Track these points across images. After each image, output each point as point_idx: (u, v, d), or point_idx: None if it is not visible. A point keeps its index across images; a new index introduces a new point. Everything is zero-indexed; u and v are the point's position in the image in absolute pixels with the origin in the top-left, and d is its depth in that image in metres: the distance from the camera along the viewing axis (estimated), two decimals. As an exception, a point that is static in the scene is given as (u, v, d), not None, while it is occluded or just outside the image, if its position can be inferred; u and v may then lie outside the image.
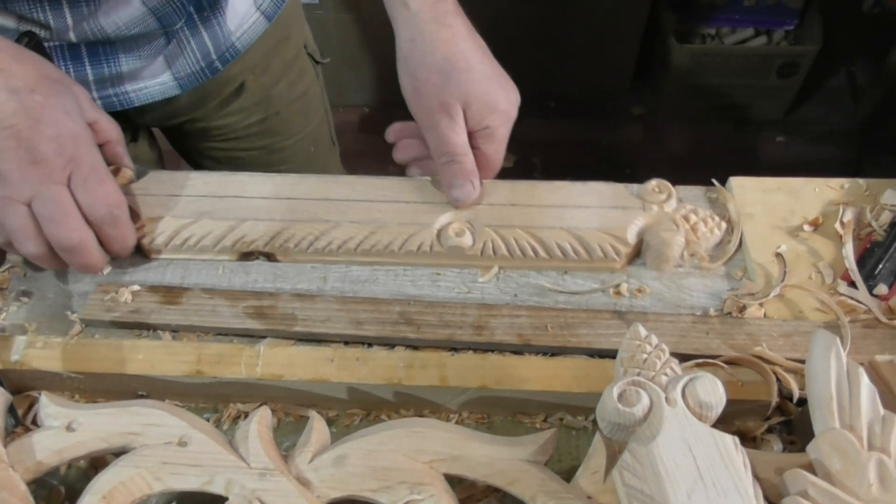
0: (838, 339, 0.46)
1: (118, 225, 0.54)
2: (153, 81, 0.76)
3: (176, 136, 0.92)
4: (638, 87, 2.03)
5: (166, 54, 0.75)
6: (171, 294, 0.58)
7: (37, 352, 0.54)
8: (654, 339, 0.47)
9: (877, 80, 1.83)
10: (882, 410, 0.43)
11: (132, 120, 0.83)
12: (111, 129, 0.59)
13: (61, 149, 0.51)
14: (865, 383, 0.44)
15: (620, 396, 0.44)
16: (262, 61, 0.86)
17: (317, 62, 0.96)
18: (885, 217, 0.61)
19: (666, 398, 0.44)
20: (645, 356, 0.46)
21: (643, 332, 0.48)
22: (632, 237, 0.59)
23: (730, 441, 0.43)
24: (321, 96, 0.99)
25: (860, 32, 1.83)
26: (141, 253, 0.60)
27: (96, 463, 0.52)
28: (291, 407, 0.56)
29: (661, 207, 0.61)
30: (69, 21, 0.66)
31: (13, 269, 0.61)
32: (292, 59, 0.91)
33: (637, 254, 0.61)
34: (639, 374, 0.45)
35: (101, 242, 0.55)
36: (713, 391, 0.44)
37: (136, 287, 0.58)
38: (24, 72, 0.51)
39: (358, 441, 0.47)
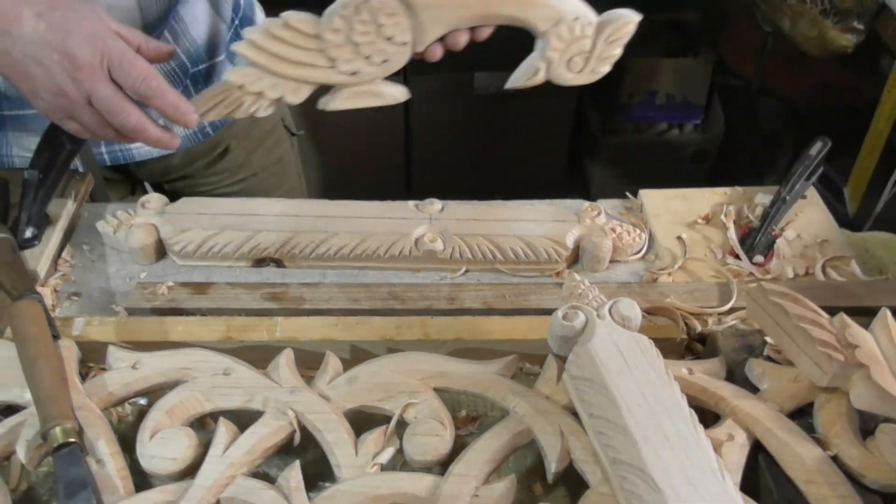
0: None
1: (161, 94, 0.63)
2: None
3: (168, 192, 1.06)
4: (572, 177, 2.26)
5: (166, 121, 0.90)
6: (199, 287, 0.71)
7: (93, 328, 0.66)
8: (587, 281, 0.63)
9: (774, 163, 2.10)
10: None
11: (132, 174, 0.98)
12: (134, 35, 0.66)
13: (93, 48, 0.62)
14: None
15: (564, 317, 0.59)
16: (244, 130, 1.02)
17: (292, 134, 1.13)
18: (758, 211, 0.79)
19: (597, 314, 0.59)
20: (580, 291, 0.62)
21: (578, 276, 0.63)
22: (570, 242, 0.75)
23: (646, 339, 0.58)
24: (295, 163, 1.15)
25: (755, 121, 2.11)
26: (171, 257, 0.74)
27: (143, 416, 0.63)
28: (303, 370, 0.68)
29: (593, 221, 0.77)
30: None
31: (64, 277, 0.73)
32: (271, 130, 1.07)
33: (575, 260, 0.77)
34: (576, 303, 0.60)
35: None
36: (631, 308, 0.59)
37: (170, 283, 0.71)
38: None
39: (365, 366, 0.60)
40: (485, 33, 0.67)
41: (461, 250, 0.73)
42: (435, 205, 0.77)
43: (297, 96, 0.67)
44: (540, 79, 0.69)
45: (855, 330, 0.58)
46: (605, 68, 0.70)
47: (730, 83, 2.03)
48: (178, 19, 0.84)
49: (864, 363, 0.57)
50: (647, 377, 0.55)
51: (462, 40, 0.66)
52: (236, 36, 0.92)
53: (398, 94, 0.69)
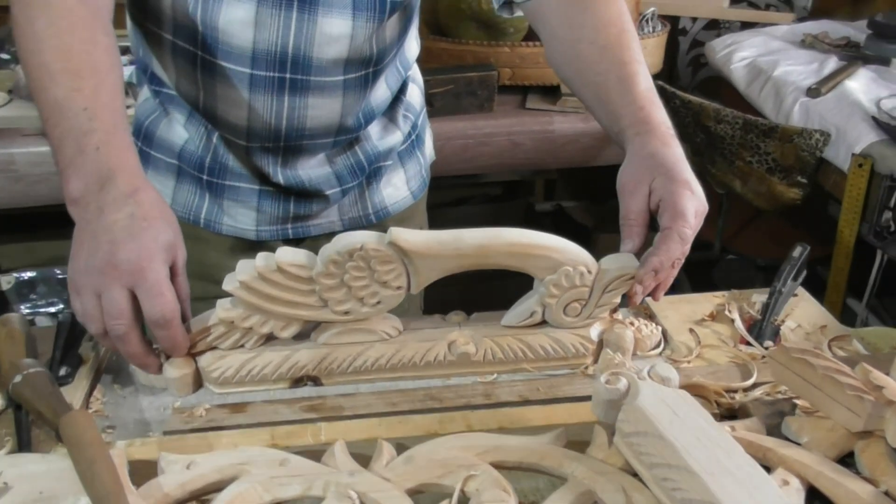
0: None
1: (169, 327, 0.67)
2: (324, 220, 1.01)
3: None
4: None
5: (339, 204, 1.01)
6: (237, 407, 0.72)
7: (136, 448, 0.65)
8: (620, 356, 0.66)
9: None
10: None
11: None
12: (182, 289, 0.71)
13: (134, 262, 0.65)
14: None
15: (607, 382, 0.61)
16: (395, 223, 1.05)
17: None
18: (757, 307, 0.85)
19: (638, 377, 0.62)
20: (616, 362, 0.65)
21: (611, 352, 0.67)
22: (594, 335, 0.78)
23: (688, 394, 0.60)
24: None
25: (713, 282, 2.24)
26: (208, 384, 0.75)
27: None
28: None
29: (612, 316, 0.81)
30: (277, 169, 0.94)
31: (97, 413, 0.73)
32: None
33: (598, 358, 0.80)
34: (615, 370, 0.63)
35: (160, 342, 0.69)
36: (668, 370, 0.63)
37: (207, 405, 0.72)
38: (148, 207, 0.68)
39: (421, 446, 0.60)
40: None
41: (493, 351, 0.76)
42: (460, 315, 0.80)
43: (287, 332, 0.72)
44: (536, 321, 0.74)
45: (876, 374, 0.62)
46: (604, 314, 0.76)
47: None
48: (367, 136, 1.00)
49: (894, 399, 0.60)
50: (697, 423, 0.57)
51: None
52: (411, 147, 1.07)
53: (391, 329, 0.74)
